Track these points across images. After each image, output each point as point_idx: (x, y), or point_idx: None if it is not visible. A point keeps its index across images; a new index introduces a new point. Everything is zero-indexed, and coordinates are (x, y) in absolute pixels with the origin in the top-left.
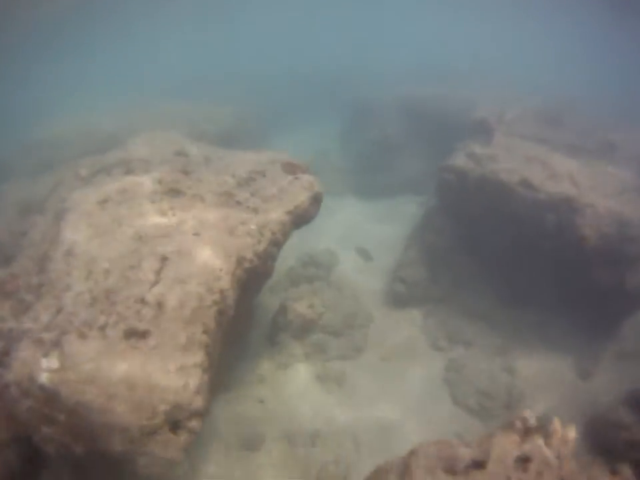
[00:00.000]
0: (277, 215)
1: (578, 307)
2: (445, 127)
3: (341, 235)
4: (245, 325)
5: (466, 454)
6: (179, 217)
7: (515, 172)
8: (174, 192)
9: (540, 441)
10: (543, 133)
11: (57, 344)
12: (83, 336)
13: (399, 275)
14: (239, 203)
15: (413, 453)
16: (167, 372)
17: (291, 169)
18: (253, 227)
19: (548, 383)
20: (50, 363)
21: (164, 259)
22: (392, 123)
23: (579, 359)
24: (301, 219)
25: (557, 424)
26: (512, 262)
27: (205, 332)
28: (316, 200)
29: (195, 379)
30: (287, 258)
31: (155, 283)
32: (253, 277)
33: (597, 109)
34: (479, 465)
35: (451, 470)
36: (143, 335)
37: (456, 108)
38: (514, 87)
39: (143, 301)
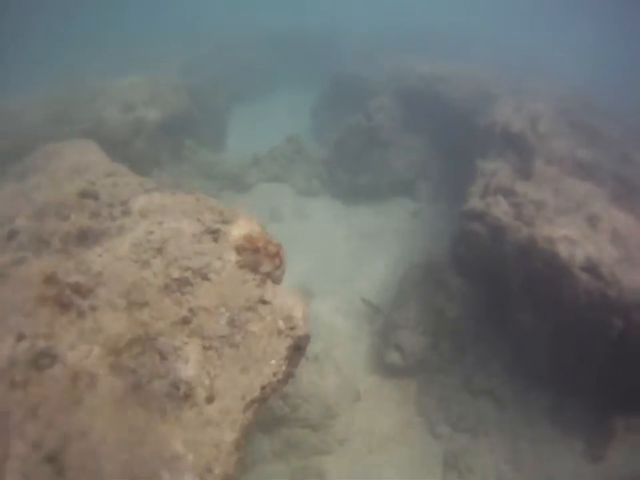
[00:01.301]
0: (227, 426)
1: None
2: (447, 117)
3: (318, 261)
4: None
5: None
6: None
7: (577, 245)
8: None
9: None
10: (583, 155)
11: None
12: None
13: (394, 340)
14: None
15: None
16: None
17: (252, 258)
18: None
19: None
20: None
21: None
22: (381, 107)
23: (590, 441)
24: (266, 401)
25: None
26: (544, 346)
27: None
28: (298, 349)
29: None
30: None
31: None
32: None
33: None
34: None
35: None
36: None
37: (462, 94)
38: (516, 61)
39: None
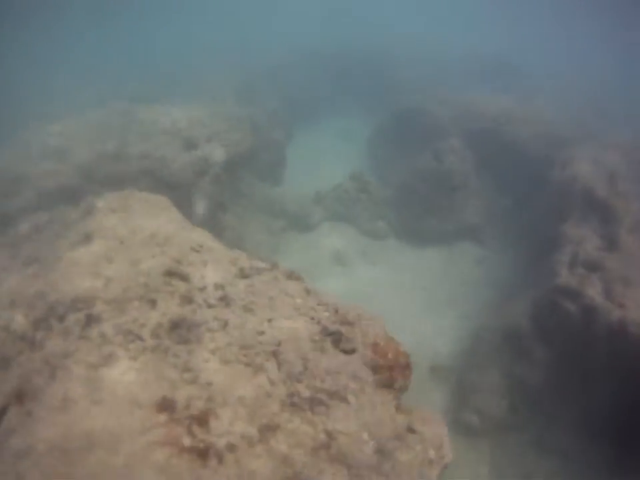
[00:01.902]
0: None
1: None
2: (515, 163)
3: (384, 313)
4: None
5: None
6: None
7: None
8: None
9: None
10: None
11: None
12: None
13: (473, 404)
14: None
15: None
16: None
17: (387, 375)
18: None
19: None
20: None
21: None
22: (451, 149)
23: None
24: None
25: None
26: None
27: None
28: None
29: None
30: None
31: None
32: None
33: None
34: None
35: None
36: None
37: (531, 138)
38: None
39: None
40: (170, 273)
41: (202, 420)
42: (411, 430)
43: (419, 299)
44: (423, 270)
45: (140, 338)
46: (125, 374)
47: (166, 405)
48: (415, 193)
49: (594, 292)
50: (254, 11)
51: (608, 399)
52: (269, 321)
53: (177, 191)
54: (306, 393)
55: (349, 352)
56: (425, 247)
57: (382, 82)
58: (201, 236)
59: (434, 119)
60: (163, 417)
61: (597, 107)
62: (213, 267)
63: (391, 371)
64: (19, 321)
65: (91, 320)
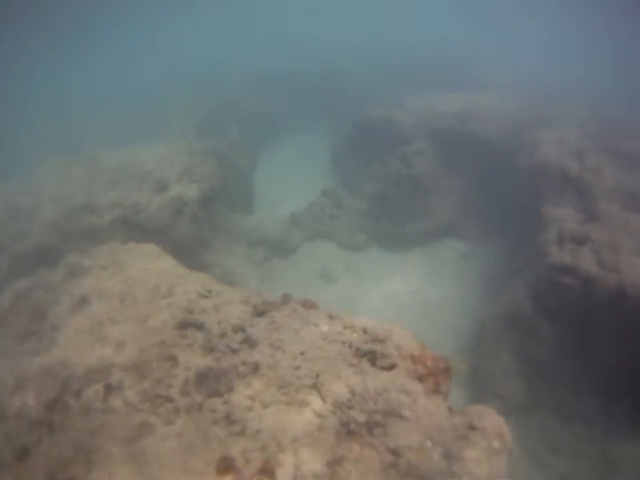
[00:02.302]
0: None
1: None
2: (482, 155)
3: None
4: None
5: None
6: None
7: None
8: None
9: None
10: (632, 185)
11: None
12: None
13: (493, 390)
14: None
15: None
16: None
17: (433, 381)
18: None
19: None
20: None
21: None
22: (418, 153)
23: None
24: None
25: None
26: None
27: None
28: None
29: None
30: None
31: None
32: None
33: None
34: None
35: None
36: None
37: (495, 130)
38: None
39: None
40: (184, 325)
41: (268, 471)
42: (471, 427)
43: (411, 303)
44: (410, 274)
45: (169, 399)
46: (165, 441)
47: (227, 465)
48: (389, 200)
49: (588, 263)
50: (210, 37)
51: (617, 359)
52: (301, 354)
53: (156, 236)
54: (361, 418)
55: (389, 368)
56: (408, 251)
57: (338, 96)
58: (204, 280)
59: (396, 125)
60: (228, 478)
61: (552, 95)
62: (226, 310)
63: (434, 377)
64: (31, 404)
65: (110, 390)
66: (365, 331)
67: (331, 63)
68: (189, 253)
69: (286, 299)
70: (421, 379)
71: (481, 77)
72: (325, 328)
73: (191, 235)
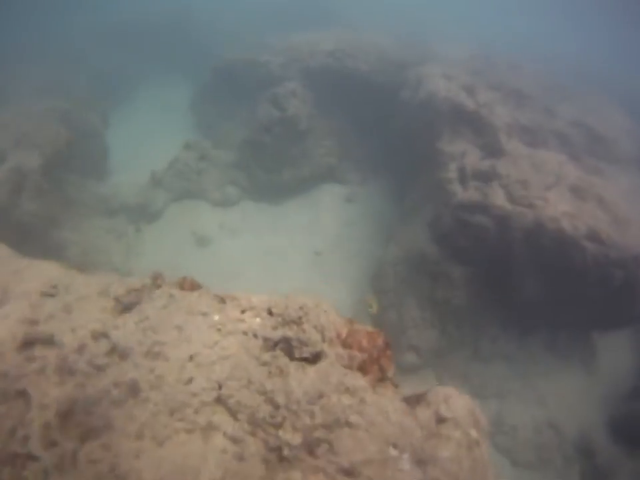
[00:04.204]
0: None
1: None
2: (362, 93)
3: (275, 282)
4: None
5: None
6: None
7: (577, 219)
8: None
9: None
10: (524, 119)
11: None
12: None
13: (406, 342)
14: None
15: None
16: None
17: (376, 367)
18: None
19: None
20: None
21: None
22: (291, 93)
23: (583, 360)
24: None
25: None
26: (542, 302)
27: None
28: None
29: None
30: None
31: None
32: None
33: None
34: None
35: None
36: None
37: (374, 67)
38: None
39: None
40: (28, 343)
41: None
42: (440, 419)
43: (298, 258)
44: (292, 226)
45: (32, 458)
46: None
47: None
48: (261, 147)
49: (501, 200)
50: None
51: (533, 293)
52: (192, 359)
53: None
54: (296, 440)
55: (314, 359)
56: (286, 201)
57: (195, 45)
58: (49, 270)
59: (264, 67)
60: None
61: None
62: (81, 311)
63: (377, 361)
64: None
65: None
66: (270, 312)
67: (181, 10)
68: (38, 234)
69: (157, 281)
70: (360, 367)
71: (352, 18)
72: (217, 317)
73: (37, 212)
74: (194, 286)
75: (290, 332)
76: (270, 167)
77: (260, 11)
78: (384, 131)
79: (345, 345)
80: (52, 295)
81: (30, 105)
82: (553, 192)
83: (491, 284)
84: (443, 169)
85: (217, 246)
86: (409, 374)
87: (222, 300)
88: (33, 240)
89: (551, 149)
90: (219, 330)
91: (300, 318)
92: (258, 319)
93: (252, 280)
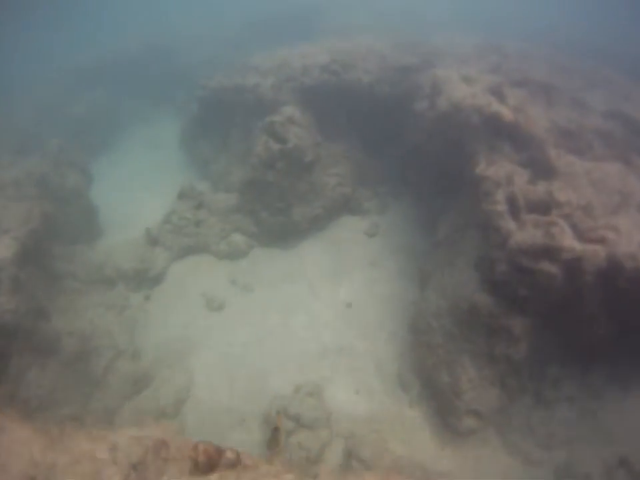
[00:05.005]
0: None
1: None
2: (368, 109)
3: (302, 338)
4: None
5: None
6: None
7: None
8: None
9: None
10: (562, 120)
11: None
12: None
13: (464, 407)
14: None
15: None
16: None
17: None
18: None
19: None
20: None
21: None
22: (290, 120)
23: None
24: None
25: None
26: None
27: None
28: None
29: None
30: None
31: None
32: None
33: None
34: None
35: None
36: None
37: (376, 76)
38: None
39: None
40: None
41: None
42: None
43: (322, 309)
44: (312, 272)
45: None
46: None
47: None
48: (263, 186)
49: (569, 240)
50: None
51: (605, 334)
52: None
53: None
54: None
55: None
56: (300, 243)
57: (176, 76)
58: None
59: (251, 92)
60: None
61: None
62: None
63: None
64: None
65: None
66: None
67: (160, 43)
68: (25, 332)
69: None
70: None
71: (337, 25)
72: None
73: (17, 309)
74: (211, 457)
75: None
76: (277, 208)
77: (238, 28)
78: (398, 149)
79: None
80: None
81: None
82: (622, 216)
83: (554, 331)
84: (488, 199)
85: (231, 307)
86: (467, 438)
87: None
88: (19, 342)
89: (598, 154)
90: None
91: None
92: None
93: (278, 346)
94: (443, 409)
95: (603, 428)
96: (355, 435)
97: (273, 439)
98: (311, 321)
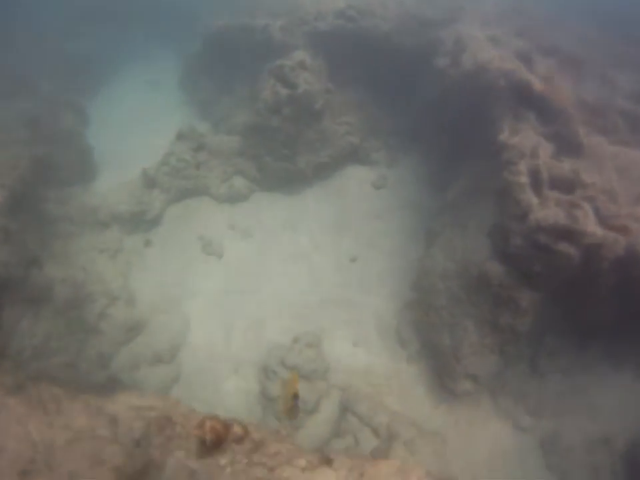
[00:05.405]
0: None
1: None
2: (384, 59)
3: (300, 289)
4: None
5: None
6: None
7: None
8: None
9: None
10: (587, 94)
11: None
12: None
13: (463, 370)
14: None
15: None
16: None
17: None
18: None
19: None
20: None
21: None
22: (301, 66)
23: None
24: None
25: None
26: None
27: None
28: None
29: None
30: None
31: None
32: None
33: None
34: None
35: None
36: None
37: (395, 26)
38: None
39: None
40: None
41: None
42: None
43: (324, 260)
44: (314, 222)
45: None
46: None
47: None
48: (269, 131)
49: (592, 225)
50: None
51: (611, 318)
52: None
53: None
54: None
55: None
56: (304, 190)
57: (178, 13)
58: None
59: (260, 33)
60: None
61: None
62: None
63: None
64: None
65: None
66: None
67: None
68: (16, 282)
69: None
70: None
71: None
72: None
73: (8, 260)
74: (218, 434)
75: None
76: (282, 154)
77: None
78: (412, 104)
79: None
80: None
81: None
82: None
83: (560, 308)
84: (510, 169)
85: (229, 252)
86: (463, 398)
87: None
88: (10, 294)
89: (624, 137)
90: None
91: None
92: None
93: (275, 295)
94: (441, 369)
95: (591, 404)
96: (351, 388)
97: (293, 408)
98: (311, 271)
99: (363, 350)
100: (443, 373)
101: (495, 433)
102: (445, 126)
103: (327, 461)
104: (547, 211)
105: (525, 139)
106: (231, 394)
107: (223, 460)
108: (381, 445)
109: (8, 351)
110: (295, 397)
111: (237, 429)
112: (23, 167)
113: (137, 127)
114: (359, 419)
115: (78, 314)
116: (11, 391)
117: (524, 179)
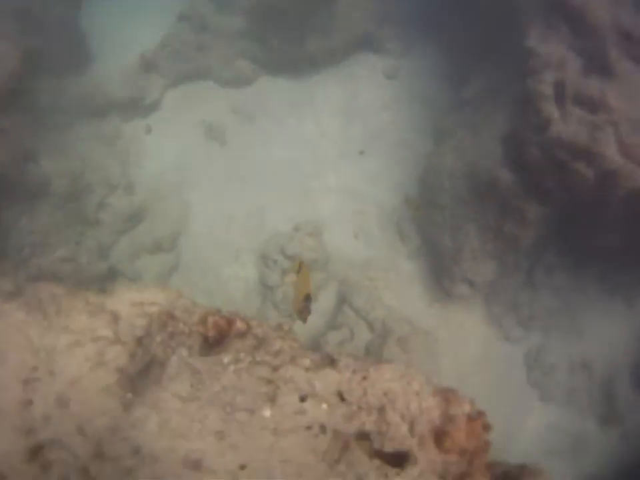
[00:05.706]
0: None
1: None
2: None
3: (300, 176)
4: None
5: None
6: None
7: None
8: None
9: None
10: (626, 20)
11: None
12: None
13: (461, 274)
14: None
15: None
16: None
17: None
18: None
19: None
20: None
21: None
22: None
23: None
24: None
25: None
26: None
27: None
28: None
29: None
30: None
31: None
32: None
33: None
34: None
35: None
36: None
37: None
38: None
39: None
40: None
41: None
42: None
43: (330, 149)
44: (320, 107)
45: None
46: None
47: None
48: (277, 12)
49: (612, 151)
50: None
51: (613, 244)
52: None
53: None
54: None
55: (400, 461)
56: (312, 76)
57: None
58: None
59: None
60: None
61: None
62: (79, 404)
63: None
64: None
65: None
66: (341, 397)
67: None
68: (12, 179)
69: (167, 321)
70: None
71: None
72: (267, 412)
73: (2, 160)
74: (221, 330)
75: (369, 424)
76: (290, 37)
77: None
78: None
79: (440, 442)
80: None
81: None
82: None
83: (564, 227)
84: (534, 77)
85: (232, 137)
86: (458, 301)
87: (269, 381)
88: (6, 193)
89: None
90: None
91: (383, 405)
92: (324, 405)
93: (279, 183)
94: (439, 270)
95: (579, 325)
96: (350, 280)
97: (304, 310)
98: (315, 159)
99: (363, 242)
100: (440, 273)
101: (485, 338)
102: (469, 21)
103: (331, 362)
104: (569, 126)
105: (554, 49)
106: (231, 282)
107: (226, 358)
108: (375, 339)
109: (7, 251)
110: (307, 298)
111: (239, 325)
112: (10, 63)
113: (133, 8)
114: (356, 312)
115: (77, 206)
116: (10, 296)
117: (548, 90)
